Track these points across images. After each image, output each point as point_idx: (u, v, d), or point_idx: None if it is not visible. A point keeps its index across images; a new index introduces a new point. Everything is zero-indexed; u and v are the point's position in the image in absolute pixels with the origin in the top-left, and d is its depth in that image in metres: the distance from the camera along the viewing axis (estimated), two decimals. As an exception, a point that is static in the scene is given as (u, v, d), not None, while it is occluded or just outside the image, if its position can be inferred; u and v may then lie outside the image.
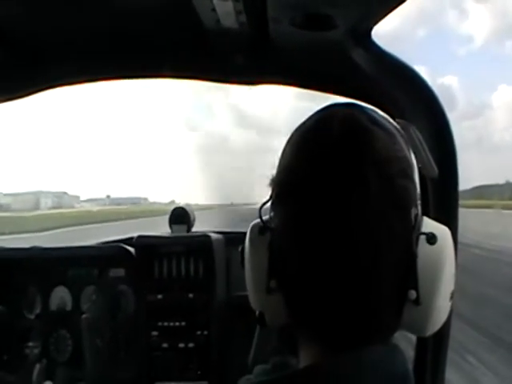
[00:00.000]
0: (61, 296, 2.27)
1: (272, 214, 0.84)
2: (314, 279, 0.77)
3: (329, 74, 1.61)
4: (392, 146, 0.80)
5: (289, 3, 1.17)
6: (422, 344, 1.52)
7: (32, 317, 2.28)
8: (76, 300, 2.25)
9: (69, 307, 2.26)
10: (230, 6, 1.21)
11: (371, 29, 1.30)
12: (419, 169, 1.48)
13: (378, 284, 0.76)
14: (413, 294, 0.77)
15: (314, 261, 0.77)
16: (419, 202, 0.81)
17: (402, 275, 0.77)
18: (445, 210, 1.44)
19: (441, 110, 1.42)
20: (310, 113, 0.89)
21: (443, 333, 1.48)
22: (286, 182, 0.82)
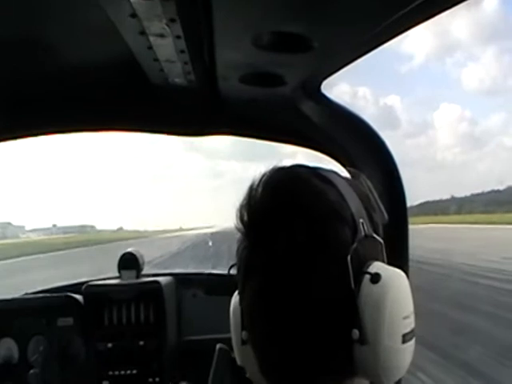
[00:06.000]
0: (7, 348, 2.19)
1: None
2: (274, 333, 0.82)
3: (280, 125, 1.66)
4: (325, 191, 0.83)
5: (237, 63, 1.21)
6: None
7: None
8: (23, 352, 2.18)
9: (15, 360, 2.18)
10: (178, 67, 1.25)
11: (321, 83, 1.36)
12: None
13: (323, 328, 0.80)
14: (356, 333, 0.78)
15: (275, 317, 0.81)
16: (356, 244, 0.81)
17: (346, 315, 0.79)
18: (396, 254, 1.49)
19: (390, 156, 1.48)
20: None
21: None
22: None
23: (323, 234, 0.80)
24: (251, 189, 0.86)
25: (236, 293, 0.90)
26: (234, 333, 0.90)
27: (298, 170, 0.88)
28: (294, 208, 0.81)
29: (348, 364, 0.81)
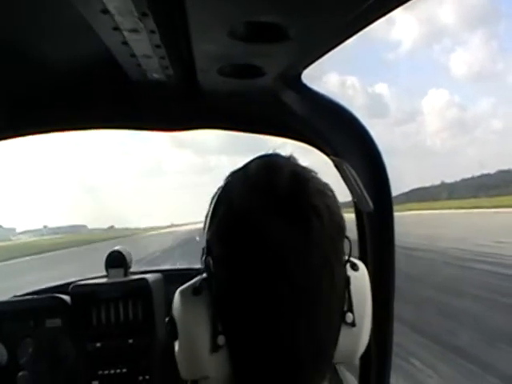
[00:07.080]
0: None
1: (215, 265, 0.84)
2: (266, 328, 0.78)
3: (261, 117, 1.65)
4: (323, 183, 0.86)
5: (215, 56, 1.19)
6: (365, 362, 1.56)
7: None
8: (12, 355, 2.16)
9: (4, 362, 2.15)
10: (155, 62, 1.23)
11: (301, 73, 1.34)
12: (355, 203, 1.53)
13: (327, 315, 0.80)
14: (350, 316, 0.82)
15: (270, 307, 0.78)
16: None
17: (341, 301, 0.82)
18: (381, 241, 1.49)
19: (373, 144, 1.47)
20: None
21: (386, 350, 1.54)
22: (239, 228, 0.81)
23: (337, 222, 0.82)
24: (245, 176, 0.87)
25: (189, 295, 0.85)
26: (197, 340, 0.82)
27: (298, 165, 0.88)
28: (301, 195, 0.80)
29: (334, 351, 0.83)
